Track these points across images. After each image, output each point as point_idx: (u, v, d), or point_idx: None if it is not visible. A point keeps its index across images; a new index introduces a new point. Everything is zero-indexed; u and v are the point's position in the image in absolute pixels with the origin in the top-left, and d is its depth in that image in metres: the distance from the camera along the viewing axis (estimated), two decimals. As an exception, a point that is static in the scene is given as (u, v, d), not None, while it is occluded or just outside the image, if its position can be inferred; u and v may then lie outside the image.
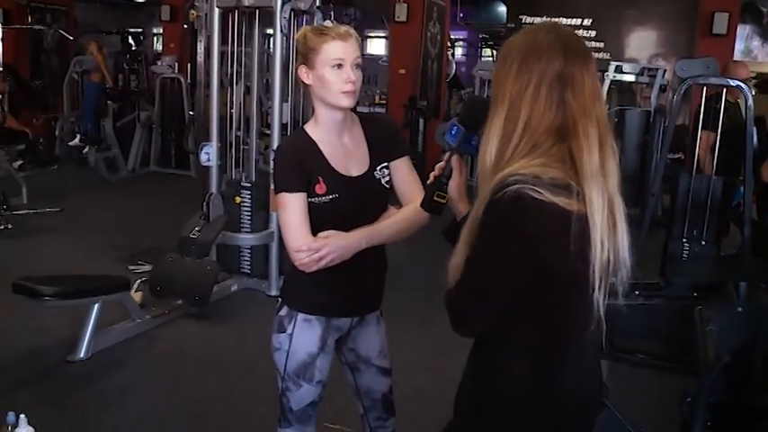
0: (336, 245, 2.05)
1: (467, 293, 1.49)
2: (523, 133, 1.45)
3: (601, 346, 1.60)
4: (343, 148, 2.19)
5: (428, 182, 1.78)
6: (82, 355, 4.09)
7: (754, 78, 11.04)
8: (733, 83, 4.91)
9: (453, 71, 13.50)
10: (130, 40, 12.16)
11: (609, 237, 1.42)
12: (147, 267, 5.51)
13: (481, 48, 17.28)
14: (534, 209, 1.36)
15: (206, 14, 5.45)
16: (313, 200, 2.11)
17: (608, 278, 1.46)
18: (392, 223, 2.16)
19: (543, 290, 1.45)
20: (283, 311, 2.25)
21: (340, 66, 2.08)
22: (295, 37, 2.30)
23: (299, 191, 2.09)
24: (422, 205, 1.78)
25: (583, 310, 1.48)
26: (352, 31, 2.16)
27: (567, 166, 1.42)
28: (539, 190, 1.35)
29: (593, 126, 1.44)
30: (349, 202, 2.13)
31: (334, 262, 2.06)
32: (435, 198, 1.74)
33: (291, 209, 2.09)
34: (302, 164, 2.11)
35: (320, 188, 2.11)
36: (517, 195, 1.35)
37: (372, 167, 2.19)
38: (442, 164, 1.74)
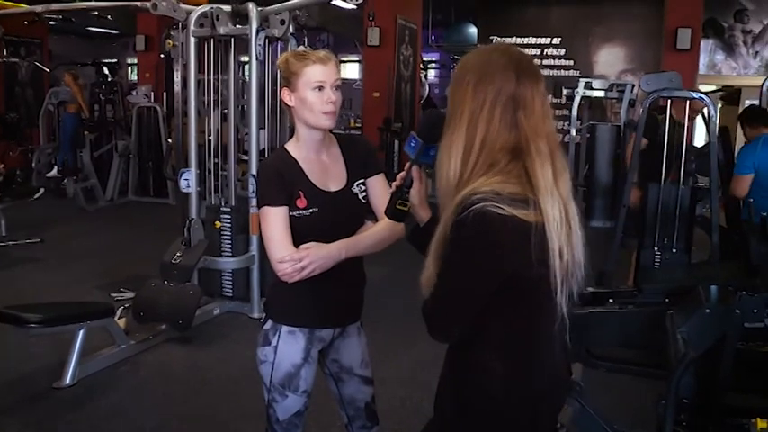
0: (318, 255, 2.14)
1: (441, 304, 1.59)
2: (480, 151, 1.54)
3: (566, 341, 1.71)
4: (321, 165, 2.30)
5: (390, 191, 1.87)
6: (68, 381, 4.12)
7: (720, 91, 11.35)
8: (696, 95, 5.09)
9: (427, 92, 13.69)
10: (105, 71, 12.23)
11: (566, 243, 1.53)
12: (130, 294, 5.56)
13: (453, 69, 17.47)
14: (498, 224, 1.46)
15: (182, 44, 5.54)
16: (294, 213, 2.21)
17: (569, 280, 1.57)
18: (369, 235, 2.27)
19: (511, 294, 1.55)
20: (268, 325, 2.34)
21: (321, 88, 2.20)
22: (276, 63, 2.41)
23: (282, 204, 2.19)
24: (385, 213, 1.88)
25: (548, 309, 1.59)
26: (331, 54, 2.28)
27: (523, 181, 1.51)
28: (500, 205, 1.45)
29: (545, 144, 1.54)
30: (328, 216, 2.24)
31: (316, 272, 2.15)
32: (398, 206, 1.83)
33: (274, 222, 2.19)
34: (284, 179, 2.21)
35: (301, 202, 2.21)
36: (482, 213, 1.45)
37: (350, 183, 2.30)
38: (402, 174, 1.83)
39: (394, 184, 1.86)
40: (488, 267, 1.51)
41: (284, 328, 2.30)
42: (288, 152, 2.29)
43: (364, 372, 2.51)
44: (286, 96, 2.26)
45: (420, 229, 1.81)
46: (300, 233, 2.19)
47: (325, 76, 2.20)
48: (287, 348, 2.30)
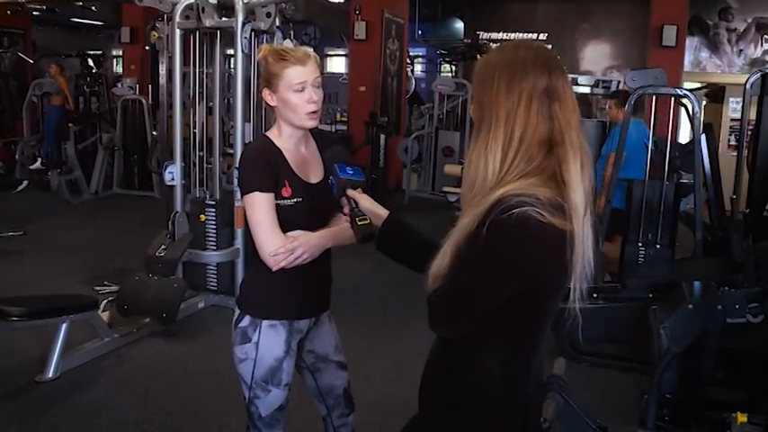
0: (309, 244, 2.17)
1: (456, 298, 1.57)
2: (519, 146, 1.52)
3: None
4: (302, 157, 2.32)
5: (347, 222, 2.01)
6: (51, 374, 4.09)
7: (704, 88, 11.42)
8: (681, 92, 5.12)
9: (413, 87, 13.68)
10: (90, 63, 12.13)
11: (588, 246, 1.54)
12: (114, 288, 5.54)
13: (440, 63, 17.49)
14: (539, 230, 1.44)
15: (167, 36, 5.50)
16: (280, 202, 2.21)
17: (582, 281, 1.56)
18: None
19: (527, 300, 1.54)
20: (245, 322, 2.32)
21: (302, 89, 2.20)
22: (256, 57, 2.39)
23: (270, 191, 2.19)
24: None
25: (552, 312, 1.61)
26: (311, 51, 2.28)
27: (557, 180, 1.51)
28: (542, 212, 1.44)
29: (576, 135, 1.54)
30: (310, 207, 2.25)
31: (307, 260, 2.17)
32: (359, 223, 1.96)
33: (263, 208, 2.17)
34: (271, 166, 2.22)
35: (286, 191, 2.22)
36: (525, 217, 1.43)
37: (326, 177, 2.30)
38: (344, 207, 2.01)
39: (344, 217, 2.04)
40: (517, 271, 1.49)
41: (265, 323, 2.30)
42: (272, 141, 2.29)
43: (339, 357, 2.53)
44: (267, 97, 2.26)
45: (384, 231, 1.89)
46: (284, 223, 2.19)
47: (306, 75, 2.20)
48: (269, 343, 2.30)
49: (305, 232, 2.18)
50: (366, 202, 1.99)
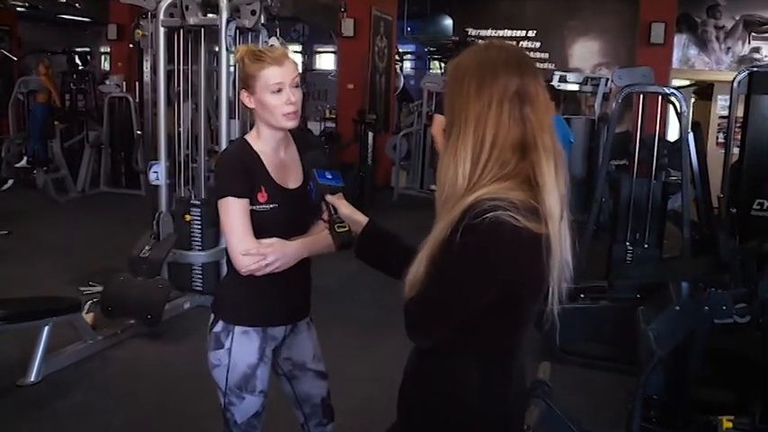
0: (282, 252, 2.12)
1: (430, 307, 1.53)
2: (491, 151, 1.48)
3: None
4: (281, 162, 2.27)
5: (327, 229, 1.96)
6: (33, 378, 4.04)
7: (693, 86, 11.43)
8: (668, 90, 5.11)
9: (402, 84, 13.64)
10: (77, 60, 12.04)
11: (564, 248, 1.51)
12: (99, 288, 5.47)
13: (429, 61, 17.44)
14: (513, 234, 1.40)
15: (151, 33, 5.45)
16: (255, 208, 2.16)
17: (560, 284, 1.53)
18: (327, 236, 2.23)
19: (504, 306, 1.51)
20: (218, 327, 2.28)
21: (280, 90, 2.16)
22: (234, 58, 2.35)
23: (244, 196, 2.15)
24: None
25: (530, 317, 1.58)
26: (287, 51, 2.25)
27: (531, 184, 1.47)
28: (516, 216, 1.40)
29: (549, 138, 1.50)
30: (287, 213, 2.20)
31: (279, 269, 2.12)
32: (338, 230, 1.91)
33: (236, 213, 2.14)
34: (247, 171, 2.17)
35: (262, 196, 2.17)
36: (498, 222, 1.39)
37: (306, 181, 2.25)
38: (323, 214, 1.96)
39: (323, 221, 1.98)
40: (492, 277, 1.45)
41: (237, 329, 2.26)
42: (249, 144, 2.24)
43: (317, 366, 2.49)
44: (245, 99, 2.22)
45: (365, 238, 1.86)
46: (259, 229, 2.15)
47: (283, 76, 2.16)
48: (241, 349, 2.26)
49: (280, 240, 2.13)
50: (345, 208, 1.95)
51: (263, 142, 2.25)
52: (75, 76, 11.34)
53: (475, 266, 1.45)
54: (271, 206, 2.18)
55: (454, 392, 1.59)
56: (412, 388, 1.69)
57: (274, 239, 2.13)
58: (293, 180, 2.27)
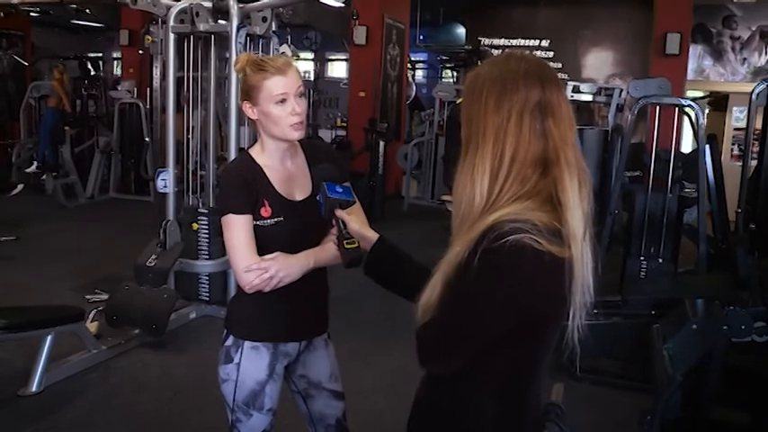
0: (285, 264, 2.04)
1: (445, 334, 1.44)
2: (511, 166, 1.39)
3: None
4: (287, 174, 2.19)
5: (335, 243, 1.91)
6: (34, 388, 3.98)
7: (708, 97, 11.33)
8: (685, 102, 5.02)
9: (414, 93, 13.61)
10: (89, 66, 12.06)
11: (587, 271, 1.41)
12: (105, 296, 5.42)
13: (441, 69, 17.41)
14: (535, 260, 1.31)
15: (161, 40, 5.41)
16: (258, 223, 2.10)
17: (583, 306, 1.43)
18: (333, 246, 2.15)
19: (524, 333, 1.41)
20: (229, 341, 2.22)
21: (284, 100, 2.08)
22: (236, 68, 2.27)
23: (246, 213, 2.08)
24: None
25: (552, 343, 1.48)
26: (291, 60, 2.17)
27: (553, 204, 1.38)
28: (538, 239, 1.31)
29: (573, 153, 1.41)
30: (293, 226, 2.13)
31: (284, 282, 2.04)
32: (347, 247, 1.85)
33: (239, 230, 2.07)
34: (249, 187, 2.10)
35: (266, 211, 2.10)
36: (520, 246, 1.30)
37: (314, 193, 2.18)
38: (332, 228, 1.91)
39: (331, 236, 1.94)
40: (513, 305, 1.35)
41: (247, 344, 2.19)
42: (252, 158, 2.17)
43: (334, 386, 2.39)
44: (248, 110, 2.14)
45: (374, 255, 1.79)
46: (264, 243, 2.08)
47: (287, 86, 2.08)
48: (250, 365, 2.19)
49: (283, 254, 2.06)
50: (355, 223, 1.88)
51: (267, 155, 2.17)
52: (86, 81, 11.35)
53: (493, 292, 1.35)
54: (275, 220, 2.11)
55: (467, 423, 1.49)
56: (422, 417, 1.59)
57: (277, 253, 2.05)
58: (301, 191, 2.19)
